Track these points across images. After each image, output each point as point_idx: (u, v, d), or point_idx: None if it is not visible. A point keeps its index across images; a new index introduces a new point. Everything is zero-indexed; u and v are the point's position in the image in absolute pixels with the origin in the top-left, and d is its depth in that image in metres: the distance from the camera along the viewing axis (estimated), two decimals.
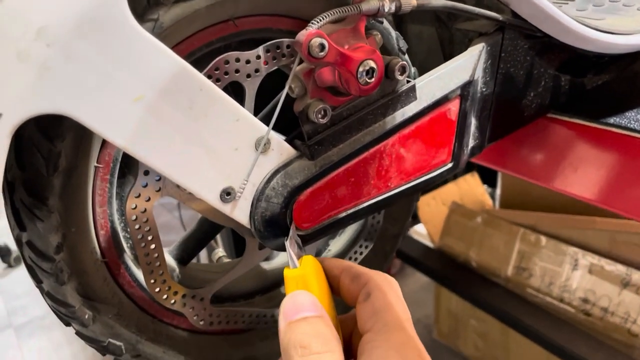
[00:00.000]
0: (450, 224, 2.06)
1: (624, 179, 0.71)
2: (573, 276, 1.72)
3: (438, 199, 2.33)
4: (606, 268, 1.65)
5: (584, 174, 0.74)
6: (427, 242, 2.25)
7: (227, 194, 0.51)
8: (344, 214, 0.59)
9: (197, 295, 0.58)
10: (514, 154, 0.82)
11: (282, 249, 0.56)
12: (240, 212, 0.53)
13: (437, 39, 0.75)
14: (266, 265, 0.71)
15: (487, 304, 1.83)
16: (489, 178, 2.46)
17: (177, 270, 0.62)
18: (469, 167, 2.53)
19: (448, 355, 2.22)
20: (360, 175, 0.59)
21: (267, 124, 0.52)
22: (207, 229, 0.66)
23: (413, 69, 0.66)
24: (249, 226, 0.54)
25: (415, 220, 2.34)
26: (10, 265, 3.08)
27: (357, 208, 0.60)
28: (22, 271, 3.01)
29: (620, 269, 1.62)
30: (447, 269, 2.01)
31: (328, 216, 0.58)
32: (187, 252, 0.65)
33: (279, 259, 0.74)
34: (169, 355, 0.59)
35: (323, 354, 0.39)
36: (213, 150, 0.49)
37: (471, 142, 0.68)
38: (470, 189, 2.36)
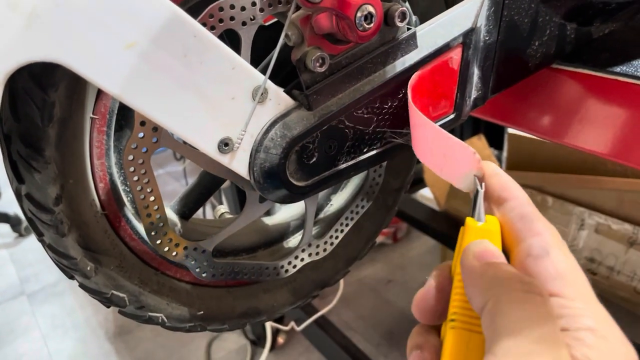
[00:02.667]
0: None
1: (631, 129, 0.70)
2: (579, 236, 1.72)
3: None
4: (613, 227, 1.64)
5: (590, 125, 0.73)
6: (433, 205, 2.26)
7: (225, 145, 0.51)
8: (343, 166, 0.58)
9: (199, 248, 0.58)
10: (518, 107, 0.81)
11: (282, 201, 0.56)
12: (239, 164, 0.52)
13: None
14: (268, 220, 0.72)
15: None
16: (495, 141, 2.44)
17: (179, 224, 0.63)
18: (476, 130, 2.51)
19: None
20: (360, 125, 0.58)
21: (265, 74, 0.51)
22: (208, 183, 0.65)
23: (415, 17, 0.64)
24: (248, 178, 0.53)
25: (422, 183, 2.34)
26: (21, 235, 3.12)
27: (357, 160, 0.59)
28: (33, 240, 3.05)
29: (627, 228, 1.61)
30: (452, 231, 2.02)
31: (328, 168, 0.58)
32: (188, 207, 0.65)
33: (281, 213, 0.73)
34: (172, 307, 0.60)
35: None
36: (209, 100, 0.48)
37: (474, 93, 0.67)
38: (477, 151, 2.34)
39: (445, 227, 2.03)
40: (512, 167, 2.08)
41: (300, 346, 2.17)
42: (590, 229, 1.72)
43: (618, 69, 0.71)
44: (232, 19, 0.50)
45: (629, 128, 0.70)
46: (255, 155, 0.52)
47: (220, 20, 0.50)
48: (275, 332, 2.14)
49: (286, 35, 0.52)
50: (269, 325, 2.05)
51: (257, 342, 2.20)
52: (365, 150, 0.59)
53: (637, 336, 1.46)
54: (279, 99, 0.53)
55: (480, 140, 2.36)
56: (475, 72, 0.66)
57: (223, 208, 0.72)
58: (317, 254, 0.67)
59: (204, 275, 0.59)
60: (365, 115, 0.58)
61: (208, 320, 0.63)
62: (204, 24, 0.49)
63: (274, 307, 0.68)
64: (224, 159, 0.51)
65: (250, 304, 0.66)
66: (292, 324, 1.95)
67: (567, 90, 0.76)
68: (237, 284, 0.66)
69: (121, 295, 0.56)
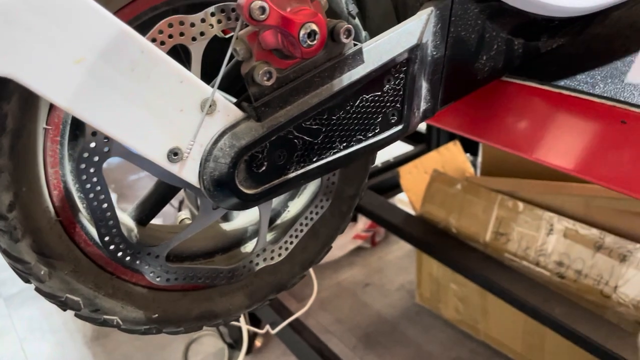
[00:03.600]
0: (431, 191, 2.09)
1: (573, 140, 0.73)
2: (548, 240, 1.76)
3: (420, 167, 2.35)
4: (580, 232, 1.68)
5: (535, 136, 0.76)
6: (410, 210, 2.29)
7: (175, 154, 0.53)
8: (293, 175, 0.61)
9: (152, 253, 0.61)
10: (472, 117, 0.84)
11: (233, 208, 0.59)
12: (188, 173, 0.55)
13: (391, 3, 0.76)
14: (226, 226, 0.74)
15: (466, 269, 1.87)
16: (471, 146, 2.48)
17: (136, 230, 0.65)
18: (452, 136, 2.55)
19: (430, 318, 2.28)
20: (309, 136, 0.61)
21: (221, 88, 0.53)
22: (164, 190, 0.68)
23: (365, 33, 0.67)
24: (198, 186, 0.56)
25: (398, 188, 2.37)
26: None
27: (306, 169, 0.62)
28: None
29: (594, 232, 1.65)
30: (428, 236, 2.05)
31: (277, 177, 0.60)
32: (145, 213, 0.67)
33: (239, 219, 0.76)
34: (127, 310, 0.62)
35: None
36: (158, 112, 0.51)
37: (423, 105, 0.70)
38: (452, 157, 2.38)
39: (420, 231, 2.06)
40: (487, 172, 2.12)
41: (278, 349, 2.19)
42: (559, 234, 1.76)
43: (562, 83, 0.75)
44: (181, 34, 0.53)
45: (571, 139, 0.74)
46: (205, 164, 0.55)
47: (170, 36, 0.52)
48: (253, 336, 2.16)
49: (235, 50, 0.54)
50: (245, 328, 2.06)
51: (235, 345, 2.21)
52: (314, 160, 0.62)
53: (603, 339, 1.49)
54: (228, 111, 0.55)
55: (455, 146, 2.40)
56: (424, 85, 0.69)
57: (184, 214, 0.75)
58: (272, 258, 0.70)
59: (157, 279, 0.61)
60: (314, 127, 0.61)
61: (163, 323, 0.65)
62: (154, 40, 0.52)
63: (230, 310, 0.70)
64: (173, 168, 0.53)
65: (207, 307, 0.69)
66: (267, 327, 1.96)
67: (516, 102, 0.79)
68: (193, 287, 0.68)
69: (75, 298, 0.58)
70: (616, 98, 0.68)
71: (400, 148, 2.72)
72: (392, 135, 0.67)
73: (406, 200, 2.41)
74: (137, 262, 0.60)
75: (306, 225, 0.72)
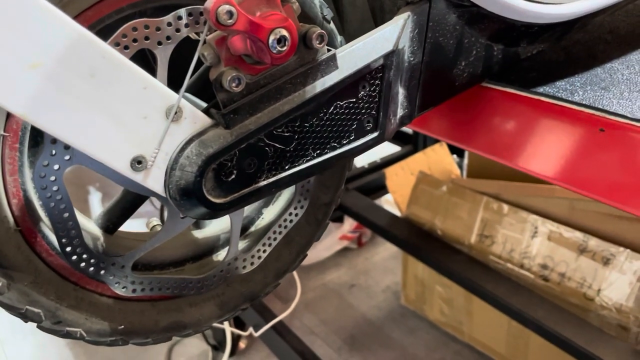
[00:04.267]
0: (417, 193, 2.08)
1: (550, 147, 0.72)
2: (533, 243, 1.76)
3: (406, 169, 2.34)
4: (564, 235, 1.68)
5: (513, 142, 0.75)
6: (396, 211, 2.28)
7: (138, 163, 0.51)
8: (264, 183, 0.59)
9: (117, 263, 0.59)
10: (450, 122, 0.83)
11: (202, 217, 0.57)
12: (154, 181, 0.53)
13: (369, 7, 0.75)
14: (198, 234, 0.72)
15: (450, 271, 1.87)
16: (457, 148, 2.48)
17: (102, 239, 0.63)
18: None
19: (415, 320, 2.28)
20: (281, 143, 0.59)
21: (192, 92, 0.52)
22: (131, 198, 0.66)
23: (340, 38, 0.66)
24: (164, 195, 0.54)
25: (385, 189, 2.36)
26: None
27: (278, 177, 0.60)
28: None
29: (577, 235, 1.65)
30: (413, 238, 2.04)
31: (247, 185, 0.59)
32: (112, 222, 0.65)
33: (211, 227, 0.74)
34: (91, 321, 0.60)
35: None
36: (120, 119, 0.49)
37: (400, 112, 0.69)
38: (438, 158, 2.38)
39: (405, 233, 2.05)
40: (473, 174, 2.11)
41: (262, 351, 2.17)
42: (543, 237, 1.76)
43: (541, 89, 0.74)
44: (146, 38, 0.51)
45: (550, 147, 0.73)
46: (171, 173, 0.53)
47: (135, 40, 0.50)
48: (237, 337, 2.14)
49: (202, 55, 0.53)
50: (228, 330, 2.04)
51: (219, 347, 2.20)
52: (287, 168, 0.61)
53: (586, 342, 1.49)
54: (195, 118, 0.54)
55: (442, 148, 2.39)
56: (400, 92, 0.67)
57: (155, 220, 0.73)
58: (244, 267, 0.68)
59: (123, 290, 0.60)
60: (286, 134, 0.59)
61: (130, 335, 0.64)
62: (117, 44, 0.50)
63: (200, 321, 0.69)
64: (137, 177, 0.52)
65: (175, 317, 0.67)
66: (251, 329, 1.95)
67: (495, 108, 0.78)
68: (161, 297, 0.66)
69: (36, 310, 0.56)
70: (594, 106, 0.67)
71: (387, 149, 2.72)
72: (368, 142, 0.65)
73: (393, 201, 2.41)
74: (102, 272, 0.58)
75: (280, 233, 0.70)
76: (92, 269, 0.57)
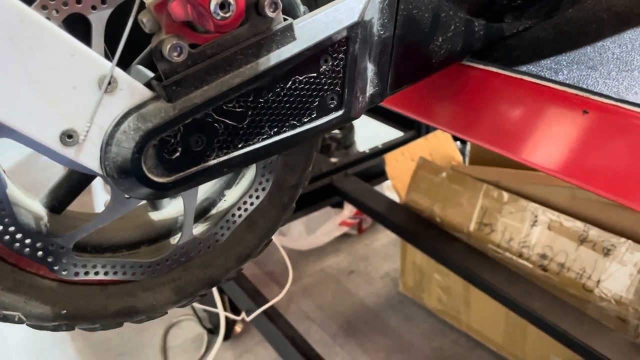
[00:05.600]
0: (416, 179, 2.04)
1: (531, 130, 0.68)
2: (532, 232, 1.72)
3: (407, 155, 2.30)
4: (564, 224, 1.64)
5: (493, 124, 0.71)
6: (395, 198, 2.24)
7: (69, 137, 0.47)
8: (214, 162, 0.55)
9: (56, 244, 0.55)
10: (430, 102, 0.79)
11: (144, 197, 0.53)
12: (87, 158, 0.49)
13: None
14: (154, 215, 0.69)
15: (448, 260, 1.84)
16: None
17: (45, 218, 0.59)
18: None
19: (413, 308, 2.25)
20: (232, 120, 0.55)
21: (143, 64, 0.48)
22: (77, 175, 0.62)
23: (303, 8, 0.61)
24: (100, 172, 0.51)
25: (385, 176, 2.32)
26: None
27: (230, 156, 0.56)
28: None
29: (578, 225, 1.61)
30: (411, 225, 2.01)
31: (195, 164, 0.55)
32: (58, 200, 0.62)
33: (169, 208, 0.71)
34: (31, 305, 0.57)
35: None
36: (45, 88, 0.45)
37: (369, 89, 0.64)
38: (440, 144, 2.32)
39: (403, 220, 2.02)
40: (475, 161, 2.07)
41: (257, 335, 2.16)
42: (543, 226, 1.72)
43: (524, 68, 0.69)
44: (78, 2, 0.47)
45: (532, 130, 0.68)
46: (107, 148, 0.49)
47: (65, 4, 0.46)
48: (232, 322, 2.13)
49: (141, 22, 0.49)
50: (222, 315, 2.03)
51: (214, 330, 2.19)
52: (240, 146, 0.57)
53: (584, 334, 1.45)
54: (132, 90, 0.50)
55: (444, 133, 2.34)
56: (370, 68, 0.63)
57: None
58: (200, 251, 0.64)
59: (64, 273, 0.56)
60: (238, 109, 0.55)
61: (75, 319, 0.60)
62: (45, 7, 0.46)
63: (154, 307, 0.65)
64: (69, 152, 0.48)
65: (127, 302, 0.63)
66: (243, 314, 1.93)
67: (475, 87, 0.74)
68: (112, 281, 0.63)
69: None
70: (578, 86, 0.62)
71: (389, 134, 2.67)
72: (332, 121, 0.61)
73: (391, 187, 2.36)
74: (39, 254, 0.55)
75: (239, 216, 0.66)
76: (27, 249, 0.54)
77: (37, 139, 0.46)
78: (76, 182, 0.62)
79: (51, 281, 0.59)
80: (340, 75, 0.60)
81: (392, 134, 2.68)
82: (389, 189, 2.58)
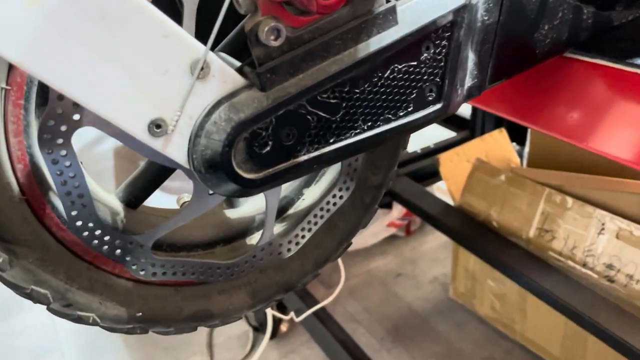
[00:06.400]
0: (472, 181, 1.97)
1: None
2: (599, 240, 1.62)
3: (462, 155, 2.22)
4: (635, 233, 1.54)
5: (599, 122, 0.64)
6: (448, 200, 2.17)
7: (157, 127, 0.43)
8: (304, 158, 0.51)
9: (135, 242, 0.52)
10: (522, 98, 0.72)
11: (231, 194, 0.49)
12: (175, 150, 0.45)
13: None
14: (231, 214, 0.64)
15: (505, 266, 1.76)
16: (518, 135, 2.33)
17: (122, 214, 0.56)
18: (498, 123, 2.39)
19: (463, 314, 2.17)
20: (325, 112, 0.50)
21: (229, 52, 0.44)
22: (156, 169, 0.58)
23: None
24: (187, 166, 0.46)
25: (437, 176, 2.24)
26: None
27: (321, 152, 0.51)
28: None
29: None
30: (465, 228, 1.94)
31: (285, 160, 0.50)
32: (134, 195, 0.58)
33: (245, 207, 0.66)
34: (106, 306, 0.54)
35: None
36: (135, 72, 0.41)
37: (468, 81, 0.59)
38: (497, 145, 2.24)
39: (457, 223, 1.94)
40: (534, 164, 1.98)
41: (303, 336, 2.12)
42: (610, 234, 1.63)
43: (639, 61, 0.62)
44: None
45: None
46: (195, 140, 0.45)
47: None
48: (278, 321, 2.10)
49: (236, 2, 0.44)
50: (270, 313, 2.00)
51: (260, 328, 2.17)
52: (331, 141, 0.52)
53: None
54: (224, 76, 0.45)
55: (501, 134, 2.26)
56: (470, 57, 0.57)
57: (187, 197, 0.65)
58: (280, 254, 0.60)
59: (141, 273, 0.52)
60: (332, 101, 0.50)
61: (150, 322, 0.57)
62: None
63: (229, 311, 0.61)
64: (156, 144, 0.44)
65: (201, 306, 0.59)
66: (292, 314, 1.89)
67: (580, 83, 0.67)
68: (187, 283, 0.59)
69: (42, 291, 0.50)
70: None
71: (441, 134, 2.59)
72: (429, 115, 0.55)
73: (445, 189, 2.29)
74: (117, 251, 0.51)
75: (321, 217, 0.61)
76: (106, 247, 0.50)
77: (125, 128, 0.43)
78: (154, 176, 0.58)
79: (126, 281, 0.55)
80: (442, 64, 0.54)
81: (445, 134, 2.60)
82: (439, 191, 2.50)
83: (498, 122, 2.40)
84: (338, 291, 1.96)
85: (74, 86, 0.39)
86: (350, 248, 2.38)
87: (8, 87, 0.45)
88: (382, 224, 2.52)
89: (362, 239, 2.47)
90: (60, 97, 0.43)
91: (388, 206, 2.45)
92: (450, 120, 2.58)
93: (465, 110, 2.59)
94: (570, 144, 1.90)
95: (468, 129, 2.48)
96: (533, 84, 0.70)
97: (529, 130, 2.28)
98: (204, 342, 2.14)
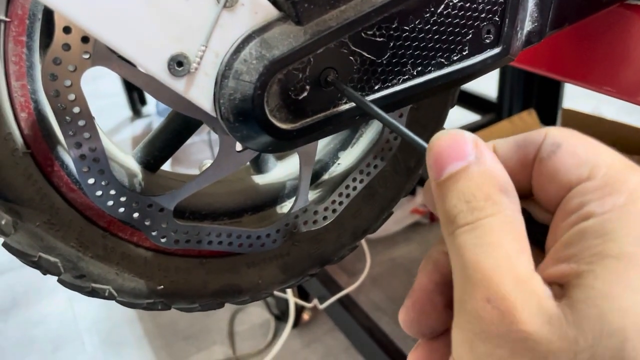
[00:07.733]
0: None
1: None
2: None
3: (489, 138, 2.14)
4: None
5: None
6: None
7: (179, 65, 0.37)
8: (345, 107, 0.44)
9: (155, 205, 0.46)
10: (579, 56, 0.64)
11: (263, 149, 0.43)
12: (199, 93, 0.39)
13: None
14: (260, 179, 0.58)
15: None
16: (548, 116, 2.24)
17: (140, 176, 0.50)
18: (527, 103, 2.30)
19: None
20: (370, 52, 0.44)
21: None
22: (176, 126, 0.52)
23: None
24: (213, 113, 0.40)
25: None
26: None
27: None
28: None
29: None
30: None
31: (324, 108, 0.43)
32: (153, 156, 0.52)
33: (276, 171, 0.60)
34: (123, 278, 0.48)
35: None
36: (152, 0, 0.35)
37: (528, 25, 0.52)
38: (526, 127, 2.15)
39: None
40: None
41: (326, 324, 2.07)
42: None
43: None
44: None
45: None
46: (222, 82, 0.39)
47: None
48: (301, 309, 2.05)
49: None
50: (292, 301, 1.95)
51: (281, 317, 2.12)
52: (376, 88, 0.45)
53: None
54: (255, 6, 0.39)
55: (530, 116, 2.17)
56: None
57: (209, 162, 0.59)
58: (315, 222, 0.53)
59: (162, 240, 0.46)
60: (378, 39, 0.43)
61: (172, 297, 0.51)
62: None
63: (259, 286, 0.55)
64: (177, 85, 0.38)
65: (229, 280, 0.53)
66: (315, 301, 1.83)
67: None
68: (213, 254, 0.53)
69: (52, 259, 0.44)
70: None
71: (466, 117, 2.51)
72: (487, 60, 0.48)
73: None
74: (135, 215, 0.45)
75: (360, 182, 0.55)
76: (122, 209, 0.44)
77: (142, 65, 0.36)
78: (174, 133, 0.52)
79: (146, 250, 0.50)
80: (502, 1, 0.47)
81: (469, 117, 2.52)
82: None
83: (526, 103, 2.31)
84: (363, 277, 1.89)
85: (84, 13, 0.33)
86: (373, 235, 2.31)
87: (8, 19, 0.39)
88: (406, 211, 2.45)
89: (385, 226, 2.41)
90: (67, 28, 0.37)
91: (412, 192, 2.38)
92: (475, 102, 2.49)
93: (490, 91, 2.50)
94: (603, 124, 1.79)
95: (494, 111, 2.38)
96: (592, 37, 0.63)
97: (559, 111, 2.19)
98: (224, 331, 2.09)
